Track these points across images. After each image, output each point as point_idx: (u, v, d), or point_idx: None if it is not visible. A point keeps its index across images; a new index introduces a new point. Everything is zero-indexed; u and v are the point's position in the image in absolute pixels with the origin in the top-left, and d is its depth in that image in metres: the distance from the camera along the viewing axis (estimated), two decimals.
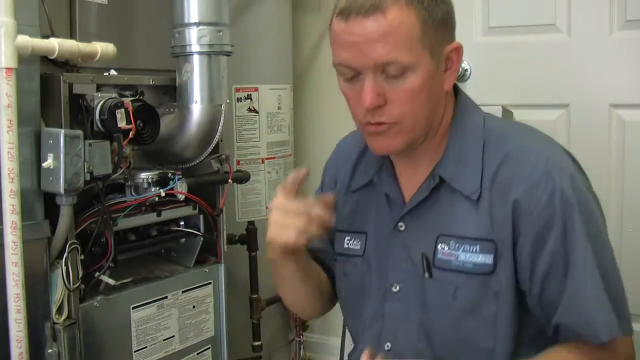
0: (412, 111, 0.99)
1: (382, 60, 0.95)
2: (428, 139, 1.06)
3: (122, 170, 1.42)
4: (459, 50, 1.04)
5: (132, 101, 1.40)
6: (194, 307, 1.62)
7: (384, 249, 1.11)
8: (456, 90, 1.11)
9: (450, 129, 1.07)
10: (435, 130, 1.07)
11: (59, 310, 1.33)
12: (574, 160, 1.05)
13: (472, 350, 1.02)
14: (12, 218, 1.18)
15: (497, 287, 1.00)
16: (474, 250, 1.01)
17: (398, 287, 1.08)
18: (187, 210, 1.60)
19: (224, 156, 1.67)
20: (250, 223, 1.98)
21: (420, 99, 0.99)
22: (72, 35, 1.46)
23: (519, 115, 1.96)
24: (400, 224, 1.09)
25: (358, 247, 1.15)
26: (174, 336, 1.57)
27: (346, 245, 1.17)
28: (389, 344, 1.08)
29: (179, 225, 1.66)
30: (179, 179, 1.51)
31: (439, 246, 1.04)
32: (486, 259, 1.00)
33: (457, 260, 1.02)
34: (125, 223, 1.46)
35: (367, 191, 1.16)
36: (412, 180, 1.09)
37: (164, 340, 1.55)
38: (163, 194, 1.47)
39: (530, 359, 0.99)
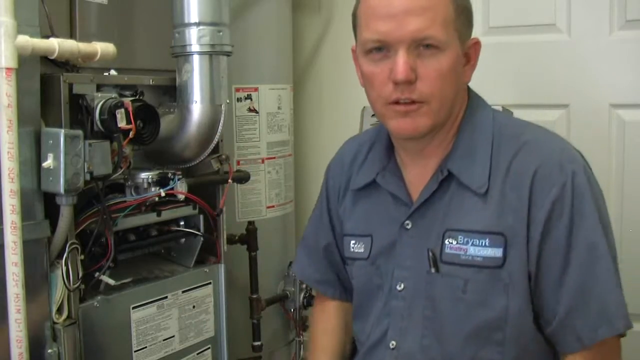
0: (441, 91, 1.00)
1: (420, 34, 0.97)
2: (442, 132, 1.07)
3: (122, 170, 1.42)
4: (477, 45, 1.07)
5: (132, 101, 1.40)
6: (194, 307, 1.62)
7: (390, 249, 1.11)
8: (469, 90, 1.14)
9: (460, 125, 1.09)
10: (452, 122, 1.08)
11: (59, 310, 1.32)
12: (583, 157, 1.07)
13: (482, 345, 1.02)
14: (12, 218, 1.18)
15: (507, 280, 1.00)
16: (483, 243, 1.01)
17: (402, 285, 1.08)
18: (187, 210, 1.60)
19: (224, 156, 1.67)
20: (250, 223, 1.98)
21: (448, 80, 1.00)
22: (72, 35, 1.46)
23: (519, 115, 1.92)
24: (407, 222, 1.09)
25: (362, 250, 1.16)
26: (174, 336, 1.57)
27: (352, 249, 1.18)
28: (393, 342, 1.09)
29: (179, 225, 1.66)
30: (179, 179, 1.51)
31: (446, 241, 1.04)
32: (496, 252, 1.00)
33: (466, 254, 1.02)
34: (125, 223, 1.46)
35: (371, 194, 1.16)
36: (420, 178, 1.09)
37: (164, 340, 1.55)
38: (163, 194, 1.47)
39: None
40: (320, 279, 1.29)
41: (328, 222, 1.27)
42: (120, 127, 1.35)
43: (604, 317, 0.96)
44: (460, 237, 1.02)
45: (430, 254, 1.04)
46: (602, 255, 0.97)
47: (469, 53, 1.07)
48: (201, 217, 1.65)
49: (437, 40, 0.98)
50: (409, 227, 1.09)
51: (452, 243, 1.03)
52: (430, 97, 1.00)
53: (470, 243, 1.02)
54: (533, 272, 1.00)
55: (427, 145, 1.08)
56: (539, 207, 0.98)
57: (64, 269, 1.30)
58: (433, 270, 1.04)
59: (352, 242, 1.18)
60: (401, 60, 0.97)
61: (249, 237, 1.96)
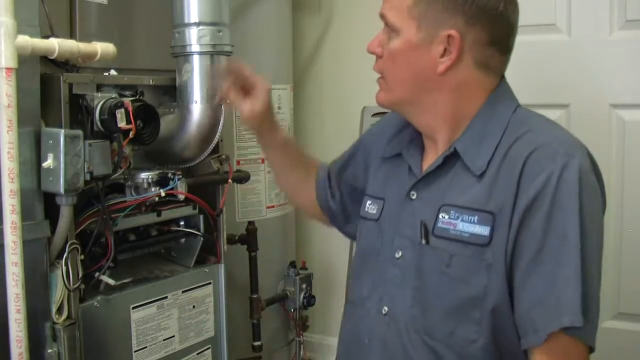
0: (391, 70, 1.11)
1: (382, 13, 1.09)
2: (428, 114, 1.11)
3: (122, 170, 1.42)
4: (451, 39, 1.04)
5: (132, 101, 1.40)
6: (194, 307, 1.62)
7: (395, 215, 1.16)
8: (502, 83, 1.14)
9: (476, 114, 1.10)
10: (445, 114, 1.10)
11: (59, 310, 1.33)
12: (592, 160, 1.05)
13: (459, 322, 1.03)
14: (12, 218, 1.18)
15: (490, 260, 1.01)
16: (472, 220, 1.03)
17: (400, 254, 1.12)
18: (187, 210, 1.61)
19: (224, 156, 1.67)
20: (250, 223, 1.99)
21: (398, 62, 1.09)
22: (72, 35, 1.46)
23: None
24: (413, 192, 1.13)
25: (375, 211, 1.21)
26: (174, 336, 1.57)
27: (366, 209, 1.24)
28: (386, 307, 1.12)
29: (179, 225, 1.66)
30: (179, 179, 1.51)
31: (440, 215, 1.07)
32: (483, 230, 1.02)
33: (455, 229, 1.04)
34: (125, 223, 1.46)
35: (395, 163, 1.22)
36: (434, 156, 1.14)
37: (164, 340, 1.55)
38: (163, 194, 1.47)
39: None
40: (337, 170, 1.37)
41: (352, 153, 1.35)
42: (120, 127, 1.35)
43: (557, 312, 0.95)
44: (452, 211, 1.05)
45: (423, 226, 1.07)
46: (571, 249, 0.96)
47: (450, 44, 1.04)
48: (201, 217, 1.65)
49: (390, 23, 1.08)
50: (414, 197, 1.13)
51: (444, 217, 1.06)
52: (383, 72, 1.12)
53: (460, 219, 1.04)
54: (509, 258, 1.00)
55: (423, 125, 1.14)
56: (524, 192, 0.99)
57: (64, 269, 1.31)
58: (424, 241, 1.07)
59: (369, 202, 1.23)
60: (375, 36, 1.10)
61: (249, 237, 1.97)
